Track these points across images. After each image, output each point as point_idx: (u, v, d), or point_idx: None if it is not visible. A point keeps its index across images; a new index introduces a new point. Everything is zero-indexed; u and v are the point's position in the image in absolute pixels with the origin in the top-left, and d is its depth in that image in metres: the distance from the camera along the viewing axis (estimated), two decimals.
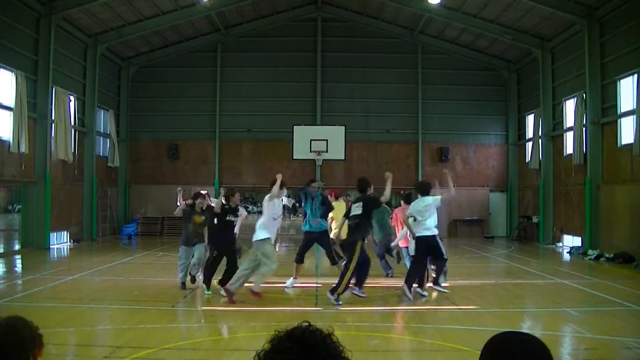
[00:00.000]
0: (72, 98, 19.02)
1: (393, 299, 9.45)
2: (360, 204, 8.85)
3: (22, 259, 15.43)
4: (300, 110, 23.34)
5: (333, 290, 8.64)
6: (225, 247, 9.41)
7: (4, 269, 13.59)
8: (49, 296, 9.40)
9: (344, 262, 9.21)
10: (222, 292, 8.99)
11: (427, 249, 9.19)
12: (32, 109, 16.49)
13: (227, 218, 9.38)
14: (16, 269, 13.92)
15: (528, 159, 21.92)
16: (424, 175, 23.06)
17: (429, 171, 23.24)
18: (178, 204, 10.32)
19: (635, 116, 14.79)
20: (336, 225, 10.48)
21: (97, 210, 20.67)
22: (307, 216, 10.31)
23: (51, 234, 17.52)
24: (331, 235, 10.56)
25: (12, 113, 15.41)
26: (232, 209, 9.47)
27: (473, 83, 23.59)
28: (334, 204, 10.94)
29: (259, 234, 8.90)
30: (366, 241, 9.28)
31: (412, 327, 7.74)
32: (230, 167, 23.52)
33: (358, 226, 8.79)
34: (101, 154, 21.83)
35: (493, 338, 1.52)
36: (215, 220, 9.52)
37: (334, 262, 10.33)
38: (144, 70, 23.85)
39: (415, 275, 9.26)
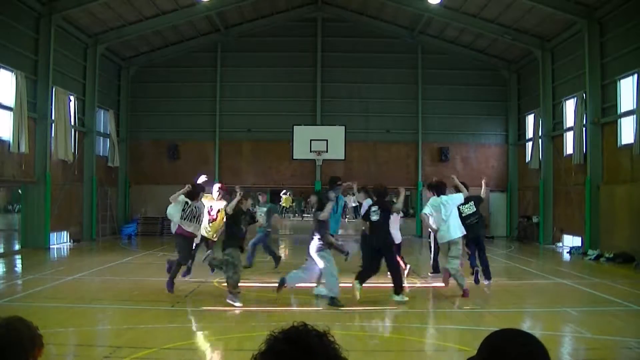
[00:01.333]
0: (72, 98, 19.02)
1: (394, 300, 9.43)
2: (472, 203, 10.05)
3: (22, 259, 15.43)
4: (300, 110, 23.34)
5: (487, 277, 9.98)
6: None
7: (4, 269, 13.60)
8: (49, 296, 9.40)
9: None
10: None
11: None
12: (32, 109, 16.49)
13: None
14: (16, 269, 13.92)
15: (528, 159, 21.91)
16: (424, 176, 23.08)
17: (429, 171, 23.23)
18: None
19: (635, 116, 14.79)
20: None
21: (97, 210, 20.66)
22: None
23: (51, 234, 17.52)
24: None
25: (12, 113, 15.41)
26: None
27: (473, 83, 23.59)
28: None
29: (458, 232, 9.40)
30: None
31: (412, 327, 7.74)
32: (230, 167, 23.52)
33: (479, 221, 10.23)
34: (101, 154, 21.82)
35: (491, 337, 1.50)
36: (382, 217, 9.05)
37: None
38: (144, 70, 23.84)
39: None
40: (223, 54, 23.72)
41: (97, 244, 19.61)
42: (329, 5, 23.49)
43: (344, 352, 1.40)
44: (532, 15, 18.88)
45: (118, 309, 8.51)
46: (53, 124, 17.57)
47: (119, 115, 23.23)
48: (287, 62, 23.61)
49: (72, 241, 19.01)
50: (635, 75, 15.01)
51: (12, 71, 15.53)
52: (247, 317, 8.06)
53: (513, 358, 1.40)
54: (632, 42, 15.20)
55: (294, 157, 21.82)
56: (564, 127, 19.36)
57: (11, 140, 15.35)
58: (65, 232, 19.01)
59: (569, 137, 18.87)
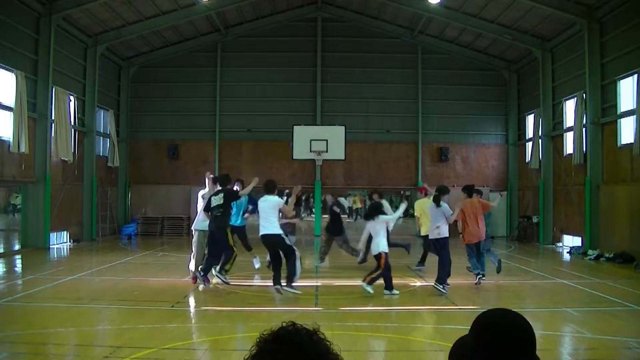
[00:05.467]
0: (72, 98, 19.01)
1: (393, 299, 9.44)
2: (222, 195, 10.00)
3: (22, 259, 15.43)
4: (300, 110, 23.33)
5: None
6: None
7: (4, 269, 13.59)
8: (49, 296, 9.39)
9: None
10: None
11: None
12: (32, 109, 16.48)
13: None
14: (16, 269, 13.91)
15: (528, 159, 21.91)
16: (424, 176, 23.08)
17: (429, 171, 23.26)
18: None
19: (635, 116, 14.79)
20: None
21: (97, 210, 20.65)
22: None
23: (51, 234, 17.50)
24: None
25: (12, 113, 15.39)
26: None
27: (473, 83, 23.58)
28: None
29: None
30: None
31: (412, 327, 7.73)
32: (230, 167, 23.45)
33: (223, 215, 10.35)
34: (101, 154, 21.81)
35: (481, 316, 1.65)
36: None
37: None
38: (144, 70, 23.84)
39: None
40: (223, 54, 23.71)
41: (97, 244, 19.61)
42: (329, 5, 23.49)
43: (336, 348, 1.40)
44: (532, 15, 18.88)
45: (118, 309, 8.51)
46: (53, 124, 17.56)
47: (118, 115, 23.22)
48: (287, 62, 23.60)
49: (72, 241, 19.00)
50: (635, 75, 15.00)
51: (12, 71, 15.51)
52: (247, 317, 8.06)
53: (501, 331, 1.58)
54: (632, 42, 15.19)
55: (294, 157, 21.80)
56: (564, 127, 19.36)
57: (11, 140, 15.33)
58: (65, 232, 19.00)
59: (569, 137, 18.87)
